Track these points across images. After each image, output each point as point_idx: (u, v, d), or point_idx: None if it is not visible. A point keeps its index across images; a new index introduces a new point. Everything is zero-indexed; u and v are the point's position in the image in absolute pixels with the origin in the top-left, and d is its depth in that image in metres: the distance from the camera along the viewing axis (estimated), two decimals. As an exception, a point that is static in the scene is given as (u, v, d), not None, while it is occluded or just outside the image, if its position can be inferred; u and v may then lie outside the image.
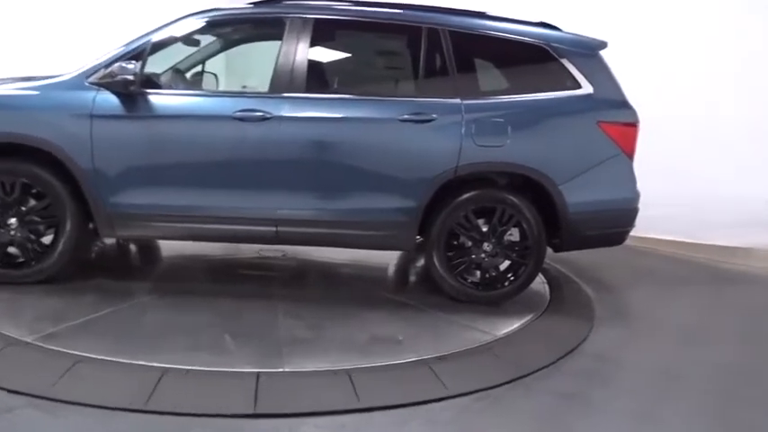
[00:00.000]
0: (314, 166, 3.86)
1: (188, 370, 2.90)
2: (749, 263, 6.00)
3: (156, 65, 4.22)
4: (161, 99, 3.86)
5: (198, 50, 4.66)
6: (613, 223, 4.16)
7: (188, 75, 4.63)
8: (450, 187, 3.97)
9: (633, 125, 4.08)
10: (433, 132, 3.88)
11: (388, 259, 5.06)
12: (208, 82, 4.72)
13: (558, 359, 3.41)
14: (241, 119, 3.78)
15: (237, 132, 3.79)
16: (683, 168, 6.28)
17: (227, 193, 3.84)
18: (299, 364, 3.05)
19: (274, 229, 3.89)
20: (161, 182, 3.84)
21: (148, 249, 5.11)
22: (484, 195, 4.01)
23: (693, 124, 6.31)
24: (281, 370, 2.98)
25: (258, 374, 2.91)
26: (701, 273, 5.71)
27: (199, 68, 4.75)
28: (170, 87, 4.14)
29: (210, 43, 4.69)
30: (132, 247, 5.14)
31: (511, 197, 3.99)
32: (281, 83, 3.87)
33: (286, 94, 3.85)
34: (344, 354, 3.20)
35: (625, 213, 4.16)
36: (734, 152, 6.25)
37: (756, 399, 3.14)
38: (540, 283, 4.52)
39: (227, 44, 4.70)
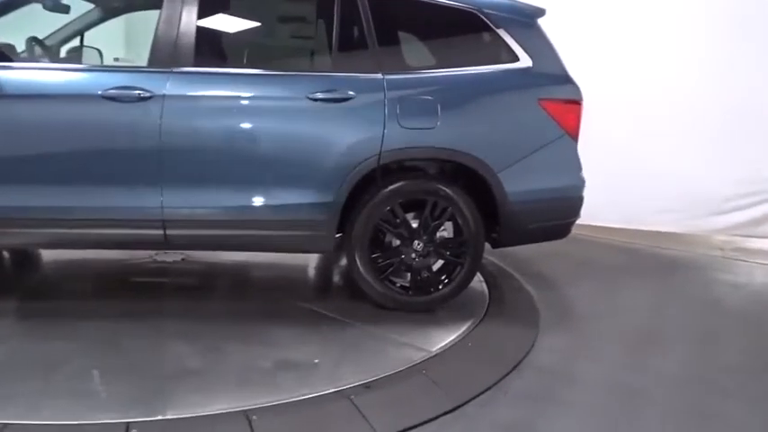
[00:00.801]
0: (206, 155, 3.19)
1: (31, 427, 2.22)
2: (690, 248, 5.73)
3: (9, 33, 3.44)
4: (7, 74, 3.09)
5: (73, 21, 3.91)
6: (558, 214, 3.69)
7: (61, 49, 3.85)
8: (374, 178, 3.40)
9: (577, 103, 3.60)
10: (351, 113, 3.28)
11: (307, 260, 4.45)
12: (89, 59, 3.95)
13: (503, 378, 2.91)
14: (113, 98, 3.07)
15: (108, 115, 3.07)
16: (619, 148, 5.91)
17: (98, 190, 3.12)
18: (185, 406, 2.41)
19: (161, 232, 3.21)
20: (14, 178, 3.09)
21: (24, 255, 4.31)
22: (412, 186, 3.45)
23: (632, 99, 5.94)
24: (159, 418, 2.33)
25: (128, 426, 2.25)
26: (643, 261, 5.39)
27: (75, 42, 3.99)
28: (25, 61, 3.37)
29: (87, 12, 3.94)
30: (4, 253, 4.33)
31: (443, 188, 3.45)
32: (164, 55, 3.17)
33: (169, 69, 3.16)
34: (244, 388, 2.58)
35: (570, 203, 3.69)
36: (673, 129, 5.93)
37: (727, 413, 2.73)
38: (477, 282, 4.03)
39: (106, 12, 3.94)
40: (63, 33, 3.92)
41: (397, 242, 3.50)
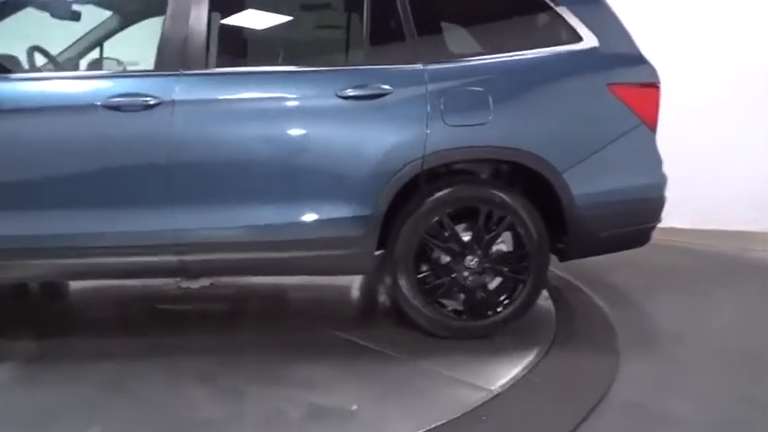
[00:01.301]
0: (223, 168, 2.78)
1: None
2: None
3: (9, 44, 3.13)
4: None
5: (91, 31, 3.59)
6: (635, 218, 3.13)
7: (81, 62, 3.53)
8: (417, 185, 2.92)
9: (654, 86, 3.05)
10: (387, 111, 2.82)
11: (348, 281, 4.00)
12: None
13: (581, 422, 2.38)
14: (116, 108, 2.70)
15: (110, 127, 2.70)
16: (695, 142, 5.27)
17: (102, 213, 2.74)
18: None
19: (176, 258, 2.82)
20: (11, 203, 2.75)
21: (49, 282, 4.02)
22: (462, 193, 2.95)
23: (708, 85, 5.29)
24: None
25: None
26: (730, 266, 4.73)
27: (95, 54, 3.67)
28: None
29: (107, 19, 3.61)
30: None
31: (499, 193, 2.95)
32: (172, 56, 2.78)
33: (179, 72, 2.78)
34: (267, 447, 2.15)
35: (649, 204, 3.13)
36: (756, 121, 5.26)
37: None
38: (541, 299, 3.48)
39: (126, 18, 3.59)
40: (80, 44, 3.60)
41: (447, 259, 3.01)
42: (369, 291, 3.97)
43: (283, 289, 3.86)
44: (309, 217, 2.82)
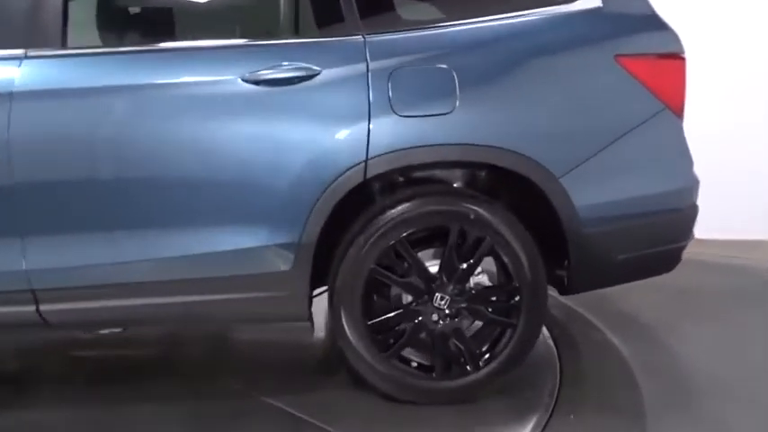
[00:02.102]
0: (88, 185, 2.02)
1: None
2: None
3: None
4: None
5: None
6: (660, 237, 2.35)
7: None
8: (362, 200, 2.17)
9: (677, 57, 2.29)
10: (315, 100, 2.06)
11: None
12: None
13: None
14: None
15: None
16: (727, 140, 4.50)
17: None
18: None
19: (33, 308, 2.05)
20: None
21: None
22: (424, 208, 2.18)
23: (735, 84, 4.54)
24: None
25: None
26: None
27: None
28: None
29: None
30: None
31: (473, 207, 2.18)
32: (11, 31, 2.03)
33: (23, 52, 2.02)
34: None
35: (678, 217, 2.36)
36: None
37: None
38: (540, 339, 2.70)
39: None
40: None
41: (408, 298, 2.24)
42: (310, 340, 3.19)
43: (208, 336, 3.06)
44: (211, 248, 2.05)
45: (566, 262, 2.31)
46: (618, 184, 2.25)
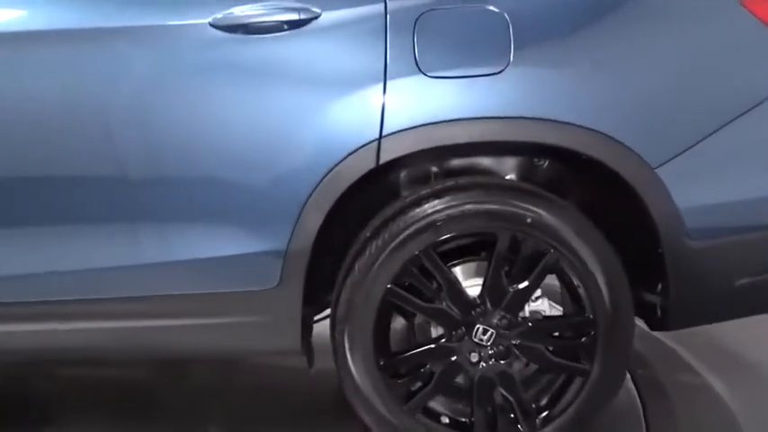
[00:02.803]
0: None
1: None
2: None
3: None
4: None
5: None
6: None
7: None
8: (373, 195, 1.60)
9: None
10: (311, 53, 1.49)
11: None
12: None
13: None
14: None
15: None
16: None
17: None
18: None
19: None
20: None
21: None
22: (462, 208, 1.55)
23: None
24: None
25: None
26: None
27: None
28: None
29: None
30: None
31: (534, 208, 1.56)
32: None
33: None
34: None
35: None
36: None
37: None
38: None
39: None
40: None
41: (438, 330, 1.65)
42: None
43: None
44: (160, 257, 1.51)
45: (659, 286, 1.67)
46: (739, 180, 1.59)
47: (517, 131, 1.53)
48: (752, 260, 1.62)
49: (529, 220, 1.55)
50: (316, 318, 1.78)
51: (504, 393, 1.62)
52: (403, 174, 1.70)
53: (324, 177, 1.48)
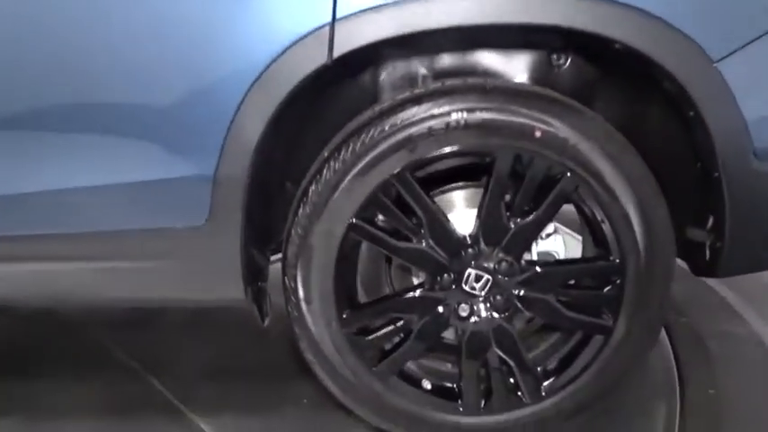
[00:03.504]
0: None
1: None
2: None
3: None
4: None
5: None
6: None
7: None
8: (331, 103, 1.22)
9: None
10: None
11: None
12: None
13: None
14: None
15: None
16: None
17: None
18: None
19: None
20: None
21: None
22: (449, 118, 1.16)
23: None
24: None
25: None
26: None
27: None
28: None
29: None
30: None
31: (545, 116, 1.16)
32: None
33: None
34: None
35: None
36: None
37: None
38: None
39: None
40: None
41: (418, 276, 1.30)
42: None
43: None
44: (72, 182, 1.17)
45: (710, 220, 1.28)
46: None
47: (529, 10, 1.11)
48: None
49: (538, 134, 1.15)
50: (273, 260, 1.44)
51: (503, 355, 1.28)
52: (381, 77, 1.31)
53: (257, 79, 1.10)
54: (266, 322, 1.39)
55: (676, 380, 1.62)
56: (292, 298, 1.25)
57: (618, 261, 1.22)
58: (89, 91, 1.14)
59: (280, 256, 1.30)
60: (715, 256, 1.29)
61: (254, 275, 1.30)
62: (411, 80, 1.33)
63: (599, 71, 1.32)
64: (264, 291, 1.37)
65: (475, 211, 1.24)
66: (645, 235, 1.19)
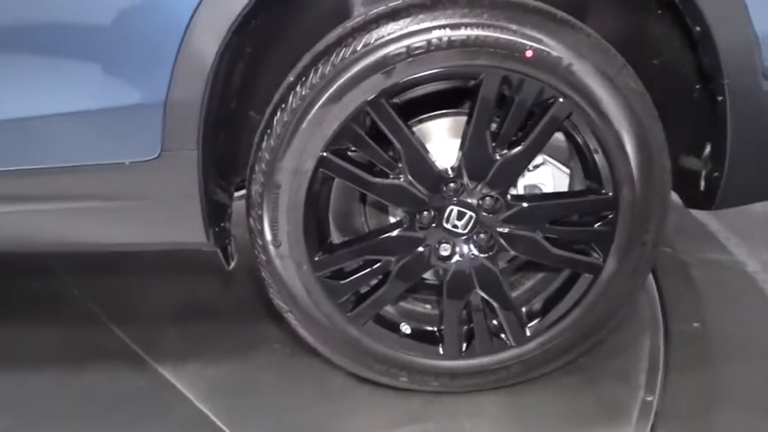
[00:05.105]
0: None
1: None
2: None
3: None
4: None
5: None
6: None
7: None
8: (292, 20, 1.09)
9: None
10: None
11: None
12: None
13: None
14: None
15: None
16: None
17: None
18: None
19: None
20: None
21: None
22: (428, 40, 1.03)
23: None
24: None
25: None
26: None
27: None
28: None
29: None
30: None
31: (535, 34, 1.03)
32: None
33: None
34: None
35: None
36: None
37: None
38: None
39: None
40: None
41: (396, 213, 1.20)
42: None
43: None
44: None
45: (707, 148, 1.19)
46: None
47: None
48: None
49: (529, 54, 1.03)
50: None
51: (485, 296, 1.20)
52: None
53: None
54: (231, 266, 1.28)
55: (659, 313, 1.58)
56: (258, 240, 1.14)
57: (611, 194, 1.12)
58: (21, 9, 0.98)
59: (244, 192, 1.19)
60: (712, 187, 1.20)
61: (216, 216, 1.18)
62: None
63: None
64: (228, 232, 1.26)
65: (457, 142, 1.13)
66: (640, 165, 1.10)
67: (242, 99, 1.18)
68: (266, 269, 1.16)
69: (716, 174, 1.18)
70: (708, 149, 1.19)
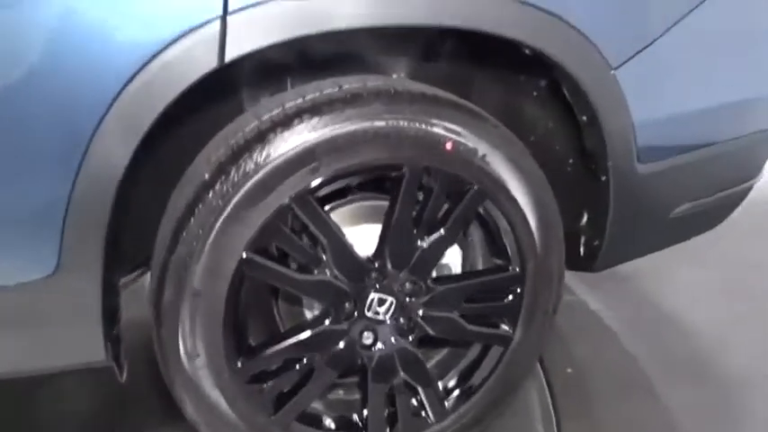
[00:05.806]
0: None
1: None
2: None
3: None
4: None
5: None
6: (733, 172, 1.41)
7: None
8: (215, 114, 1.00)
9: None
10: None
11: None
12: None
13: None
14: None
15: None
16: None
17: None
18: None
19: None
20: None
21: None
22: (354, 132, 1.02)
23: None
24: None
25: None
26: None
27: None
28: None
29: None
30: None
31: (454, 127, 1.05)
32: None
33: None
34: None
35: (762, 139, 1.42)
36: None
37: None
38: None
39: None
40: None
41: (315, 310, 1.16)
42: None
43: None
44: None
45: (584, 217, 1.32)
46: (689, 86, 1.24)
47: (432, 11, 1.00)
48: (694, 183, 1.33)
49: (449, 146, 1.06)
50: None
51: (407, 378, 1.19)
52: (261, 77, 1.12)
53: (123, 89, 0.84)
54: (124, 377, 1.13)
55: (537, 365, 1.69)
56: (171, 358, 1.02)
57: (518, 270, 1.19)
58: None
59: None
60: (591, 253, 1.33)
61: (113, 330, 1.04)
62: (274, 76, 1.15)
63: (475, 63, 1.28)
64: (119, 338, 1.11)
65: (370, 227, 1.12)
66: (542, 240, 1.18)
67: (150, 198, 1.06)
68: (181, 388, 1.04)
69: (596, 242, 1.30)
70: (585, 218, 1.32)
